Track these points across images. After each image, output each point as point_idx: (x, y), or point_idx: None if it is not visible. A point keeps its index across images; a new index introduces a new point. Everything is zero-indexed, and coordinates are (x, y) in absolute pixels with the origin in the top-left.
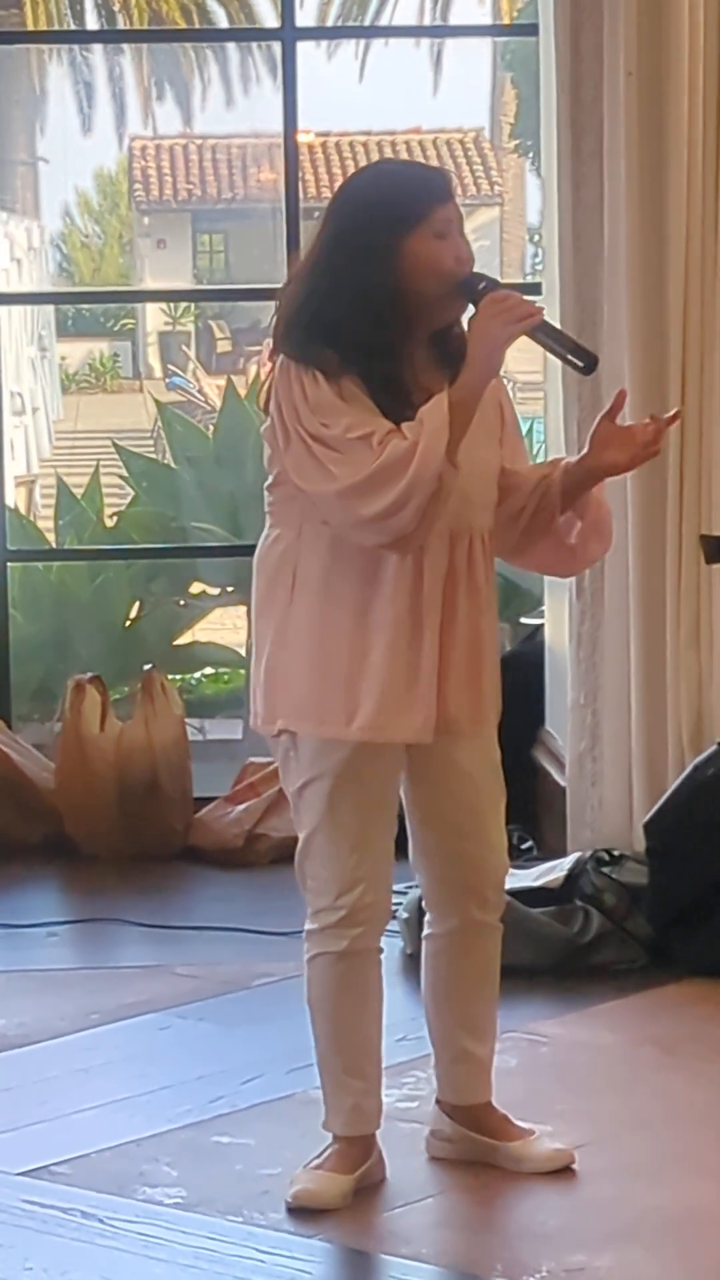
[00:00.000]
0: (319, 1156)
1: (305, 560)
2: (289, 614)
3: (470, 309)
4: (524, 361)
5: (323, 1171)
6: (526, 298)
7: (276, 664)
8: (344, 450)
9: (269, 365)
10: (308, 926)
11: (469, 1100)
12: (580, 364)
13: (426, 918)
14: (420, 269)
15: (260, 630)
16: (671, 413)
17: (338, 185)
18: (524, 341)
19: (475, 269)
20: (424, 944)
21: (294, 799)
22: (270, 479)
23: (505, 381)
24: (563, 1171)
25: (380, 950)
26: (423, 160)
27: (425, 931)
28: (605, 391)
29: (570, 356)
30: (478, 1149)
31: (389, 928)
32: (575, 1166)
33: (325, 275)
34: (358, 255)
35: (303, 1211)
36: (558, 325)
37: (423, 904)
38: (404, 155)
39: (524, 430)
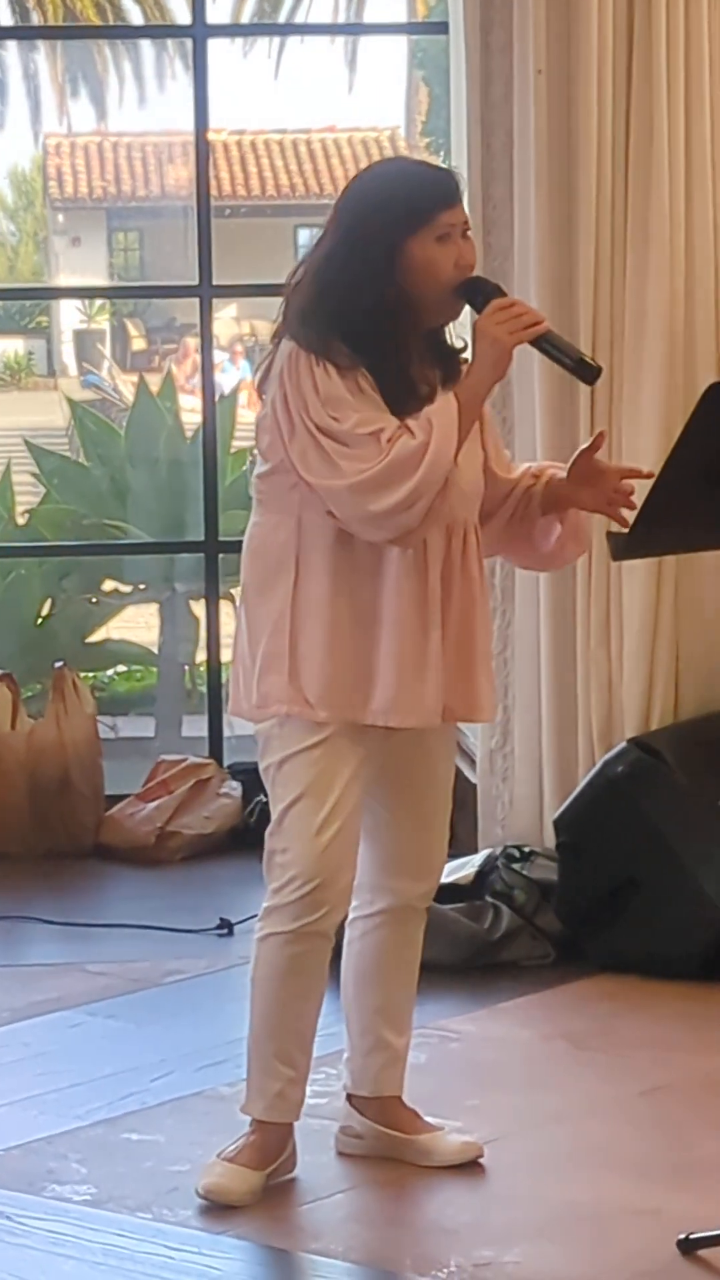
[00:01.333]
0: (233, 1146)
1: (309, 548)
2: (294, 601)
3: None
4: None
5: (234, 1165)
6: (531, 307)
7: (277, 650)
8: (353, 445)
9: (270, 351)
10: (266, 904)
11: (380, 1092)
12: (584, 374)
13: (355, 902)
14: (419, 272)
15: (256, 617)
16: (646, 470)
17: (348, 179)
18: None
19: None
20: (349, 928)
21: (273, 774)
22: (267, 467)
23: None
24: (472, 1165)
25: (332, 939)
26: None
27: (352, 916)
28: (516, 387)
29: (574, 366)
30: (387, 1144)
31: None
32: (485, 1161)
33: (336, 269)
34: (362, 253)
35: (211, 1205)
36: (562, 335)
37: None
38: (319, 154)
39: None
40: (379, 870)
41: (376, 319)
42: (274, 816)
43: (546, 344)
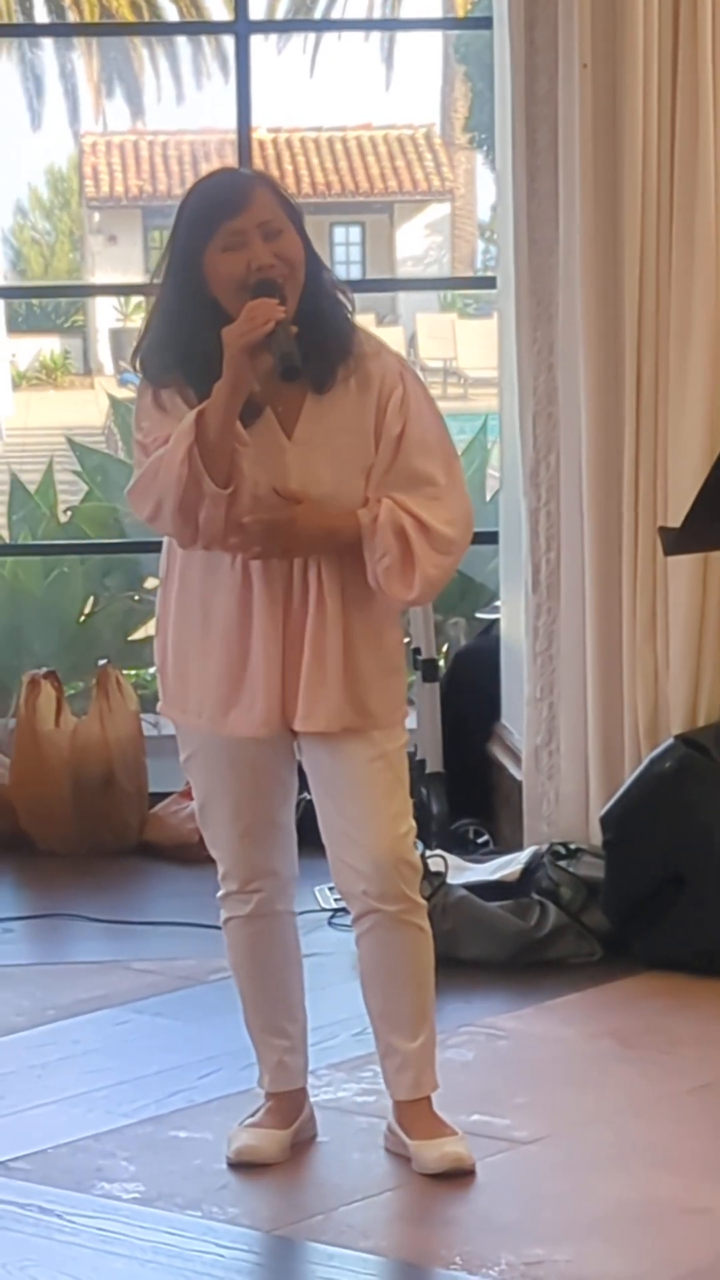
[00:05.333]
0: (253, 1115)
1: (173, 553)
2: (163, 604)
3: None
4: (477, 356)
5: (260, 1128)
6: (275, 304)
7: (158, 649)
8: (146, 455)
9: None
10: (219, 893)
11: (395, 1095)
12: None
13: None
14: (217, 282)
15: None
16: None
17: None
18: (479, 336)
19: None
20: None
21: (185, 770)
22: None
23: (413, 385)
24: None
25: (292, 913)
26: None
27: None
28: (562, 386)
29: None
30: (400, 1145)
31: (343, 922)
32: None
33: (161, 287)
34: (172, 270)
35: (245, 1166)
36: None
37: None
38: (354, 152)
39: (479, 424)
40: (337, 872)
41: (188, 333)
42: (196, 809)
43: (270, 340)
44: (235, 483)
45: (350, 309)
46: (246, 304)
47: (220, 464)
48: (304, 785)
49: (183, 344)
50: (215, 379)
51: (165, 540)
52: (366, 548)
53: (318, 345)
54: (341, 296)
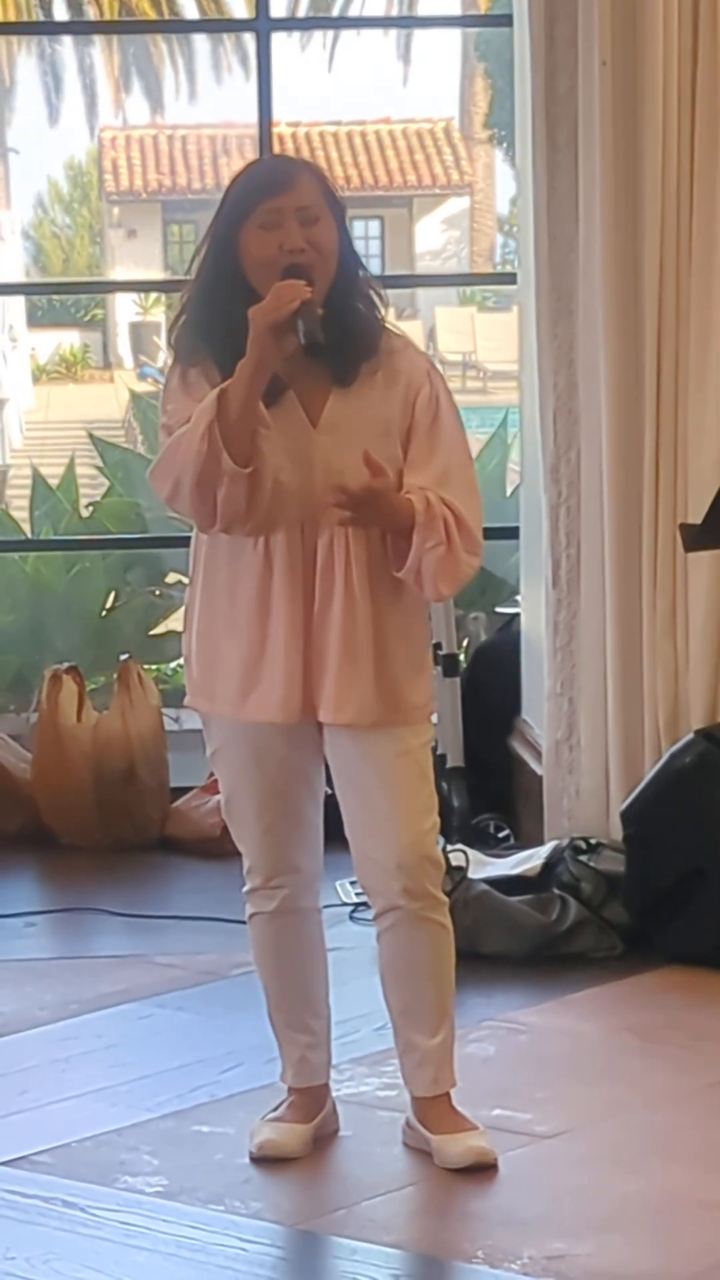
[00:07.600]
0: (275, 1109)
1: (199, 544)
2: (191, 595)
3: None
4: (496, 350)
5: (283, 1123)
6: (302, 285)
7: (185, 641)
8: (169, 436)
9: None
10: (244, 887)
11: (415, 1091)
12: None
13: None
14: (250, 259)
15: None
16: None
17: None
18: (498, 330)
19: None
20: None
21: (211, 764)
22: None
23: (439, 385)
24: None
25: (317, 909)
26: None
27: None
28: (581, 379)
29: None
30: (420, 1140)
31: (365, 916)
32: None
33: (199, 266)
34: (210, 248)
35: (267, 1160)
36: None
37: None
38: (373, 146)
39: (500, 418)
40: (360, 867)
41: (220, 310)
42: (221, 804)
43: (295, 319)
44: (256, 464)
45: (383, 310)
46: (276, 285)
47: (241, 443)
48: (327, 779)
49: (213, 322)
50: (241, 358)
51: (193, 538)
52: (418, 534)
53: (343, 337)
54: (375, 297)
